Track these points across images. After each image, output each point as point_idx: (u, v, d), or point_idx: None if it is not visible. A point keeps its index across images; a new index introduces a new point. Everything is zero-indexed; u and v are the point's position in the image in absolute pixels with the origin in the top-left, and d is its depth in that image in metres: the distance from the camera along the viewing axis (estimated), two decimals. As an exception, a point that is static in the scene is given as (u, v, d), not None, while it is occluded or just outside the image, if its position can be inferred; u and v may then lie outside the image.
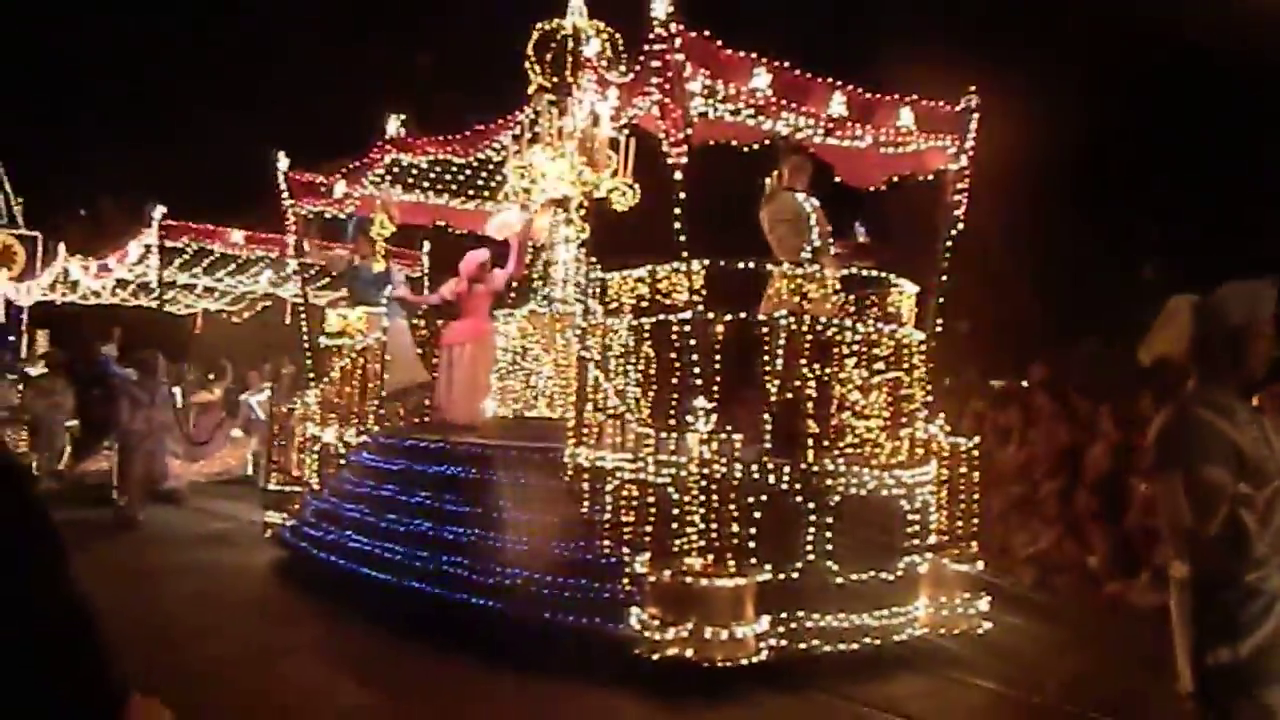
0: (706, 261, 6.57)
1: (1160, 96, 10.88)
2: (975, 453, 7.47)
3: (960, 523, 7.34)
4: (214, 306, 20.26)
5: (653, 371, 6.84)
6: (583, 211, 7.81)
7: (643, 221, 9.00)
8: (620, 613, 6.37)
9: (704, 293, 6.53)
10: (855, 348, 6.76)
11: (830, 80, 7.15)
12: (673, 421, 6.61)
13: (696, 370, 6.41)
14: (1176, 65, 10.80)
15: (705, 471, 6.23)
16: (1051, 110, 8.84)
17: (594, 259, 7.73)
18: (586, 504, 7.02)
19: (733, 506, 6.18)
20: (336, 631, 7.75)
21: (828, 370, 6.63)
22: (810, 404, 6.56)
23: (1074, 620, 7.93)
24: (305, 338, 11.16)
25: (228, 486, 15.90)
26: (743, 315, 6.58)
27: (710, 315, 6.50)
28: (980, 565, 7.28)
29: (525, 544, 7.13)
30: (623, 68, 7.82)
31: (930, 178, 8.07)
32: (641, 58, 6.64)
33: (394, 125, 10.13)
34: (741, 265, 6.80)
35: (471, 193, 11.14)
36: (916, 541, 6.98)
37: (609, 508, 6.84)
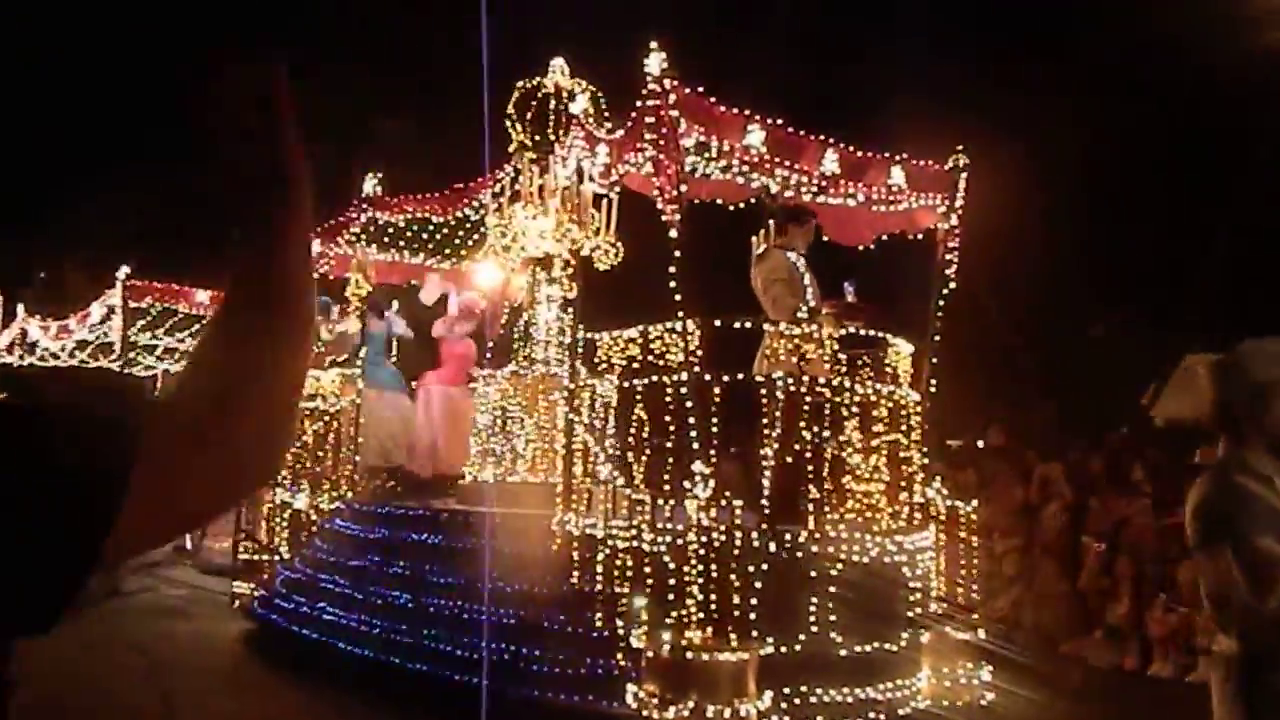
0: (701, 321, 6.38)
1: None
2: (974, 516, 7.28)
3: (960, 589, 7.13)
4: (175, 368, 19.85)
5: (646, 435, 6.60)
6: (569, 270, 7.60)
7: (623, 281, 8.86)
8: (615, 689, 6.07)
9: (700, 353, 6.33)
10: (855, 409, 6.58)
11: (823, 138, 7.06)
12: (668, 487, 6.37)
13: (694, 433, 6.19)
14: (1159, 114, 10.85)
15: (704, 539, 5.99)
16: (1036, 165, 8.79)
17: (577, 320, 7.52)
18: (577, 574, 6.74)
19: (734, 576, 5.93)
20: (311, 710, 7.38)
21: (827, 433, 6.43)
22: (811, 468, 6.34)
23: (1076, 687, 7.71)
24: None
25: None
26: (739, 376, 6.37)
27: (707, 376, 6.29)
28: (982, 633, 7.05)
29: (513, 617, 6.83)
30: (609, 125, 7.68)
31: (919, 236, 7.98)
32: (634, 113, 6.50)
33: (370, 184, 9.94)
34: (738, 325, 6.60)
35: (448, 251, 10.93)
36: (919, 610, 6.75)
37: (601, 578, 6.57)
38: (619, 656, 6.19)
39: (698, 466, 6.12)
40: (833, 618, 6.23)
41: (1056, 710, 7.25)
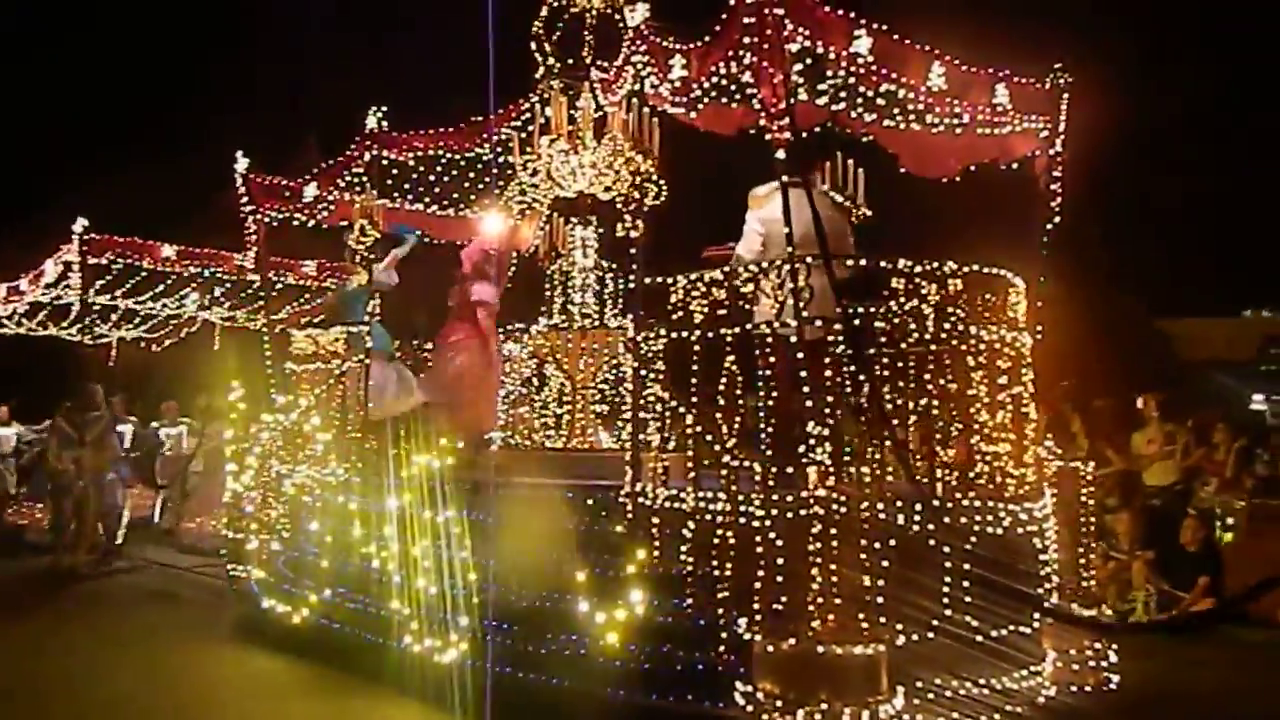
0: (811, 260, 5.45)
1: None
2: (1090, 477, 6.47)
3: (1081, 560, 6.33)
4: (130, 334, 18.52)
5: (738, 392, 5.69)
6: (631, 206, 6.59)
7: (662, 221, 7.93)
8: (717, 688, 5.20)
9: (806, 296, 5.40)
10: (981, 358, 5.72)
11: (928, 48, 6.13)
12: (770, 452, 5.47)
13: (809, 388, 5.28)
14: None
15: (827, 512, 5.10)
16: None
17: (641, 263, 6.52)
18: (658, 553, 5.85)
19: (863, 555, 5.06)
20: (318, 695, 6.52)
21: (954, 386, 5.56)
22: (938, 426, 5.48)
23: (1201, 662, 6.98)
24: (269, 364, 9.74)
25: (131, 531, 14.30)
26: (858, 320, 5.44)
27: (819, 321, 5.36)
28: (1105, 608, 6.28)
29: (580, 603, 5.92)
30: (671, 39, 6.69)
31: (1014, 165, 7.11)
32: (725, 15, 5.53)
33: (373, 119, 8.86)
34: (851, 263, 5.67)
35: (456, 196, 9.89)
36: (1047, 585, 5.95)
37: (686, 557, 5.68)
38: (720, 650, 5.32)
39: (814, 427, 5.22)
40: (967, 599, 5.39)
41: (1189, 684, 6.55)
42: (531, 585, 6.18)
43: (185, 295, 15.96)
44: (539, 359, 8.17)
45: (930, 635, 5.26)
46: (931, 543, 5.32)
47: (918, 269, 5.56)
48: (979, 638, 5.40)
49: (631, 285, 6.36)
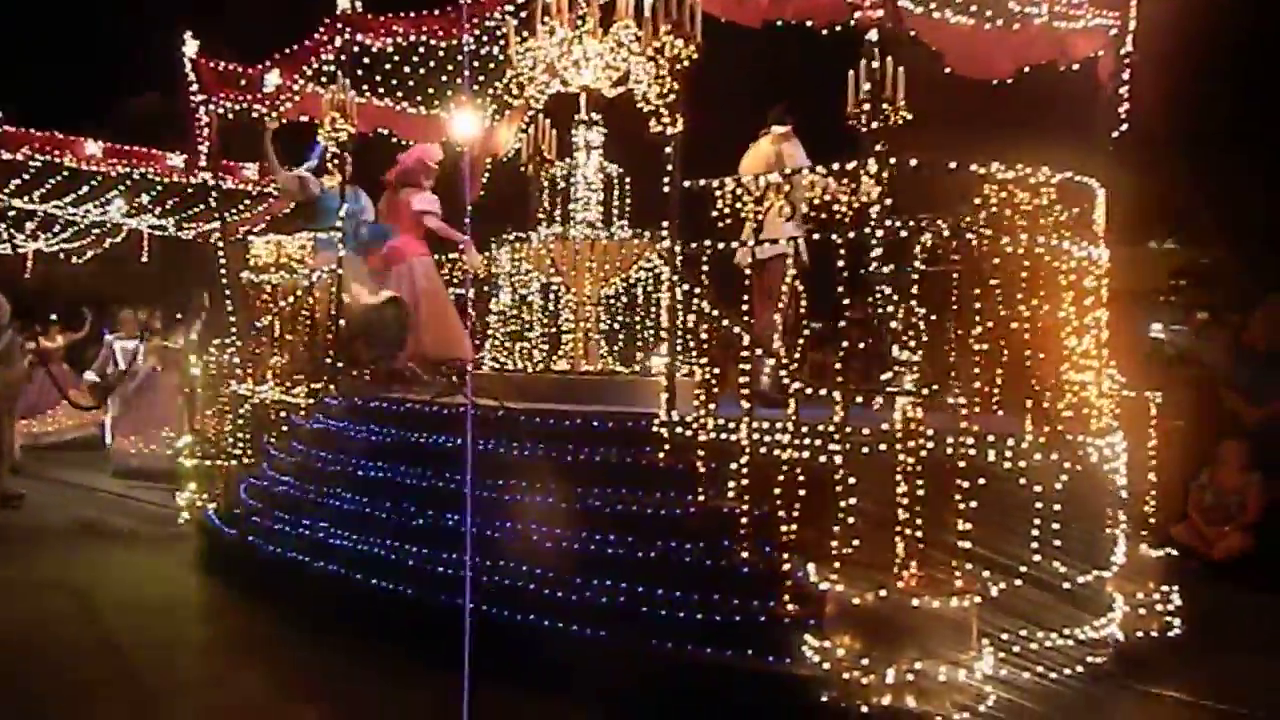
0: (888, 159, 4.78)
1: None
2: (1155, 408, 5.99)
3: (1149, 498, 5.87)
4: (46, 246, 17.17)
5: (803, 310, 5.04)
6: (670, 98, 5.77)
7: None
8: (786, 642, 4.63)
9: (886, 201, 4.74)
10: (1070, 277, 5.13)
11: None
12: (840, 379, 4.85)
13: (891, 307, 4.64)
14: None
15: (914, 447, 4.51)
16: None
17: (679, 163, 5.74)
18: (704, 492, 5.22)
19: (957, 496, 4.49)
20: (293, 643, 5.86)
21: (1044, 307, 4.98)
22: (1028, 352, 4.89)
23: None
24: (223, 274, 8.82)
25: (67, 453, 13.30)
26: (944, 229, 4.79)
27: (904, 231, 4.70)
28: (1171, 549, 5.85)
29: (613, 545, 5.30)
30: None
31: (1075, 67, 6.50)
32: None
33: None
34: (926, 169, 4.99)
35: (431, 92, 8.98)
36: (1125, 526, 5.47)
37: (740, 495, 5.07)
38: (785, 599, 4.74)
39: (899, 351, 4.60)
40: (1057, 542, 4.87)
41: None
42: (555, 525, 5.51)
43: (110, 200, 14.77)
44: (541, 273, 7.40)
45: (1017, 583, 4.72)
46: (1022, 481, 4.76)
47: (1009, 175, 4.91)
48: (1065, 585, 4.88)
49: (666, 189, 5.60)
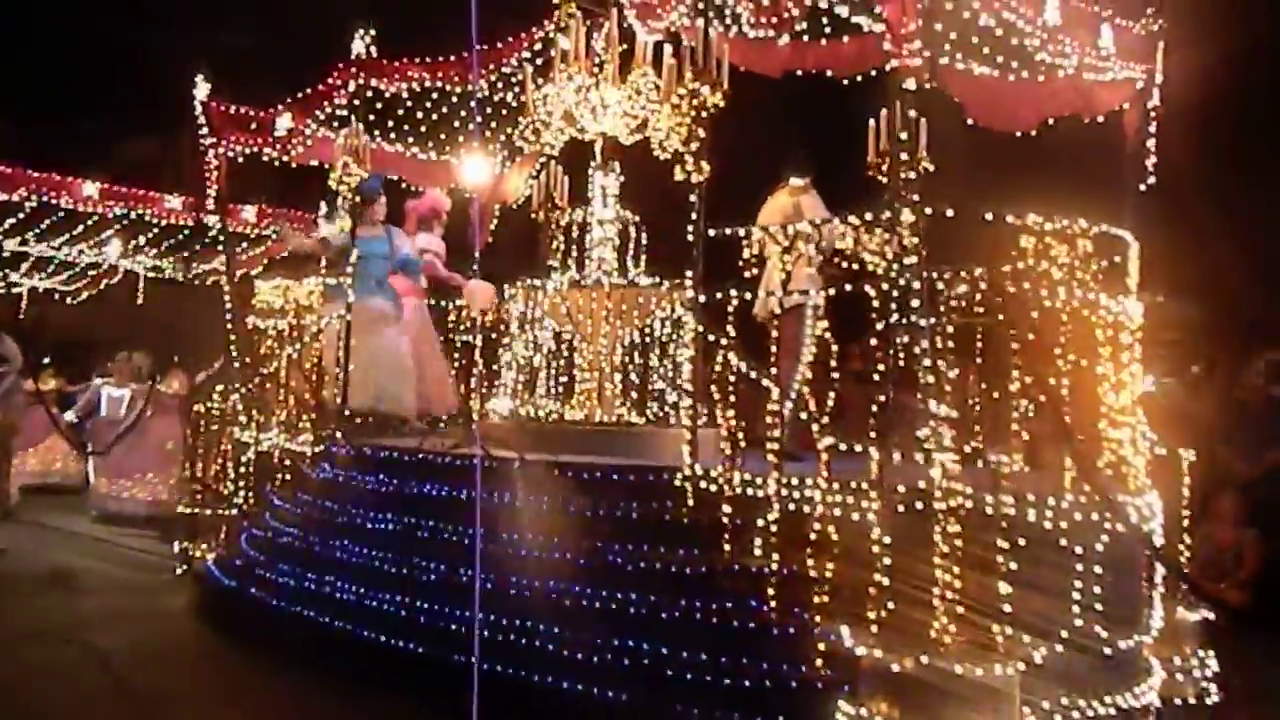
0: (920, 207, 4.68)
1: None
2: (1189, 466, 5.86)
3: (1184, 557, 5.72)
4: (42, 284, 17.02)
5: (833, 362, 4.91)
6: (694, 147, 5.67)
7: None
8: (818, 709, 4.45)
9: (922, 252, 4.64)
10: (1109, 331, 5.02)
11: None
12: (874, 434, 4.71)
13: (928, 361, 4.52)
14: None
15: (950, 505, 4.36)
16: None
17: (702, 212, 5.63)
18: (729, 547, 5.06)
19: (998, 558, 4.34)
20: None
21: (1082, 362, 4.86)
22: (1067, 407, 4.76)
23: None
24: (229, 318, 8.67)
25: (48, 496, 12.95)
26: (980, 279, 4.68)
27: (940, 282, 4.60)
28: (1207, 612, 5.68)
29: (635, 603, 5.12)
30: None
31: (1100, 119, 6.43)
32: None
33: (360, 43, 7.82)
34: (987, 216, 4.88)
35: (444, 137, 8.90)
36: (1163, 587, 5.32)
37: (768, 553, 4.91)
38: (817, 663, 4.56)
39: (937, 406, 4.47)
40: (1098, 606, 4.71)
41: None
42: (574, 582, 5.34)
43: (106, 241, 14.67)
44: (555, 320, 7.26)
45: (1058, 649, 4.55)
46: (1063, 542, 4.61)
47: (1048, 226, 4.81)
48: (1107, 650, 4.71)
49: (690, 237, 5.49)
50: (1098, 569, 4.69)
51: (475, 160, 9.28)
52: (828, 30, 6.68)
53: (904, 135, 4.85)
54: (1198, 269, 6.86)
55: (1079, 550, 4.64)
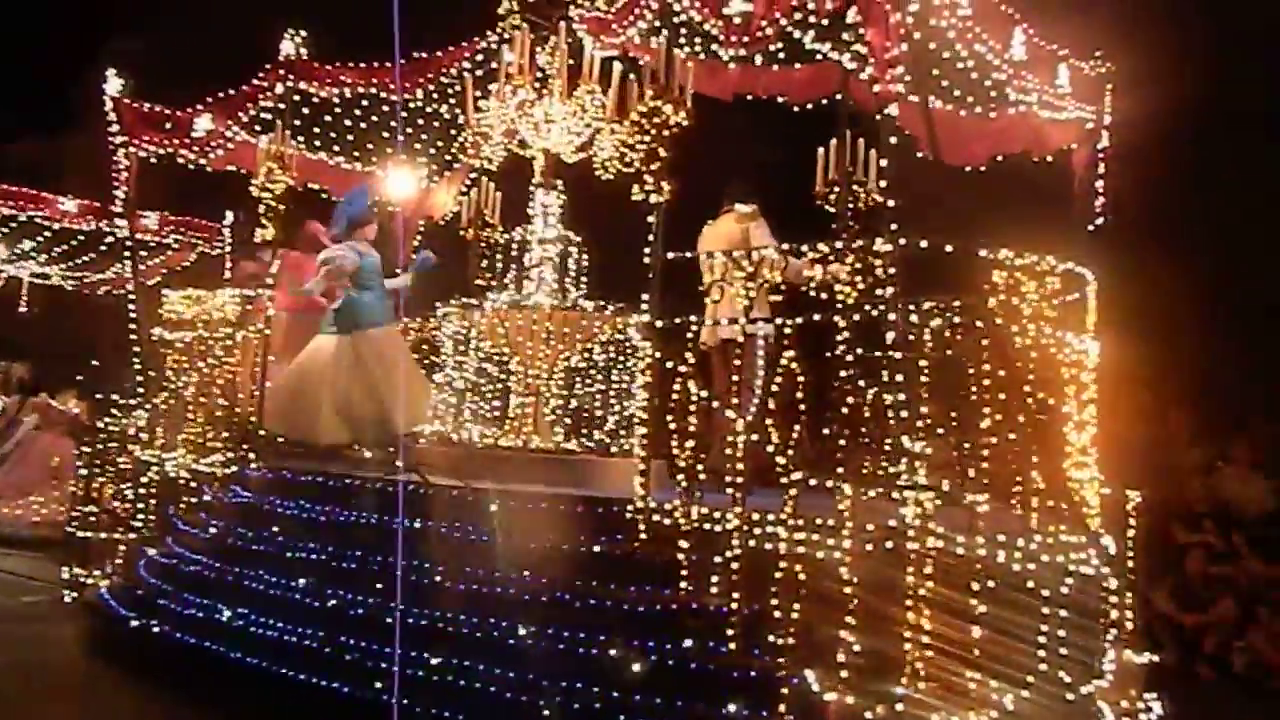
0: (897, 238, 4.56)
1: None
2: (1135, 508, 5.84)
3: (1129, 599, 5.68)
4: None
5: (799, 395, 4.74)
6: (657, 166, 5.45)
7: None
8: (781, 755, 4.25)
9: (895, 283, 4.51)
10: (1071, 369, 4.96)
11: (1009, 9, 5.36)
12: (840, 468, 4.56)
13: (899, 395, 4.38)
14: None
15: (926, 547, 4.22)
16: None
17: (660, 233, 5.40)
18: (687, 584, 4.83)
19: (970, 598, 4.21)
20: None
21: (1050, 400, 4.78)
22: (1035, 447, 4.67)
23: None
24: (133, 329, 8.13)
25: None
26: (953, 310, 4.57)
27: (913, 314, 4.47)
28: (1153, 655, 5.67)
29: (583, 642, 4.85)
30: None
31: (1048, 159, 6.45)
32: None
33: (290, 46, 7.45)
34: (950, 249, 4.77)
35: (370, 147, 8.54)
36: (1114, 631, 5.26)
37: (723, 591, 4.70)
38: (782, 709, 4.35)
39: (908, 442, 4.33)
40: (1063, 651, 4.62)
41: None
42: (519, 618, 5.04)
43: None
44: (492, 342, 6.96)
45: (1024, 695, 4.44)
46: (1031, 584, 4.51)
47: (1018, 261, 4.73)
48: (1070, 696, 4.62)
49: (648, 260, 5.28)
50: (1063, 612, 4.59)
51: (400, 173, 8.95)
52: (781, 56, 6.59)
53: (883, 163, 4.70)
54: (1147, 308, 6.89)
55: (1046, 593, 4.53)
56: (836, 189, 6.85)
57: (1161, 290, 7.26)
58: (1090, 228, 6.12)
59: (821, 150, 6.88)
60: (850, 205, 6.84)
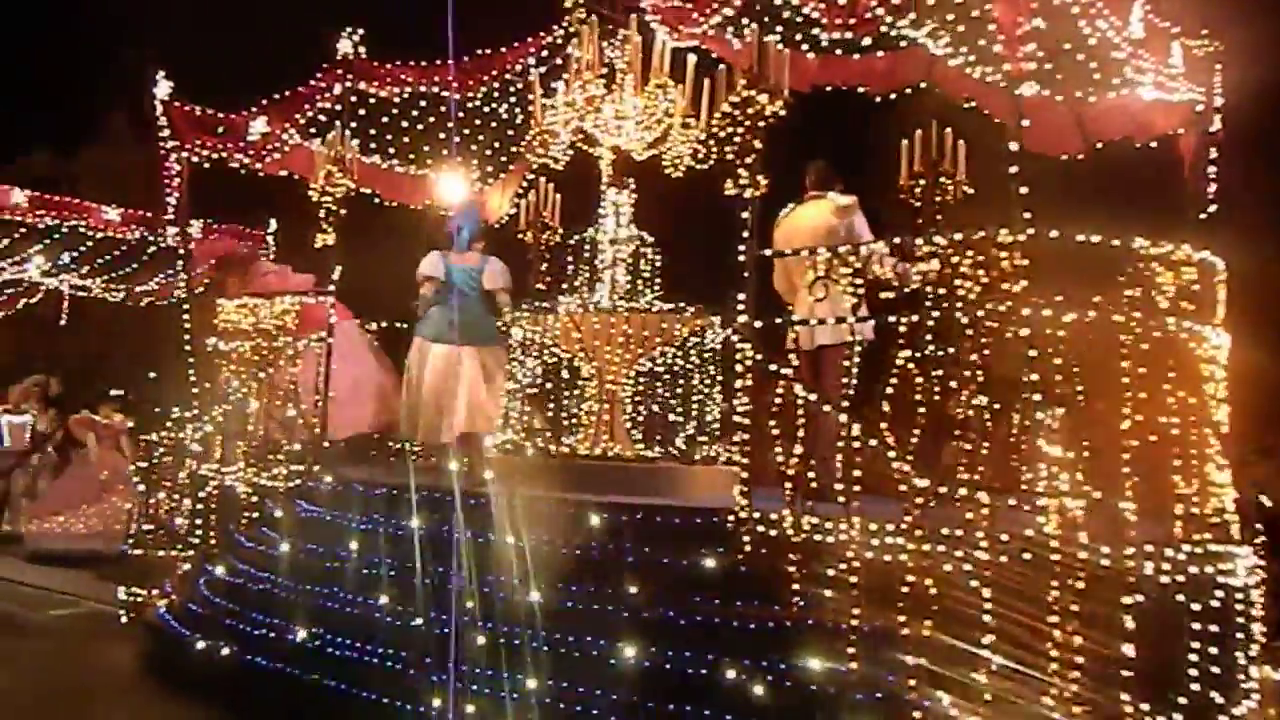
0: (1026, 227, 4.25)
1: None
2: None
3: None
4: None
5: (916, 397, 4.43)
6: (752, 159, 5.14)
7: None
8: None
9: (1027, 278, 4.19)
10: (1208, 365, 4.63)
11: (1124, -14, 5.04)
12: (966, 475, 4.24)
13: (1033, 394, 4.06)
14: None
15: (1066, 559, 3.90)
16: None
17: (753, 233, 5.10)
18: (799, 598, 4.53)
19: (1127, 615, 3.88)
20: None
21: (1191, 399, 4.45)
22: (1177, 450, 4.35)
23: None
24: (187, 339, 7.90)
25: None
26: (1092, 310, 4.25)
27: (1047, 309, 4.15)
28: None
29: (687, 661, 4.55)
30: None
31: (1152, 144, 6.12)
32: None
33: (347, 44, 7.21)
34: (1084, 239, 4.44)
35: (426, 149, 8.28)
36: (1253, 646, 4.91)
37: (840, 606, 4.39)
38: (912, 731, 4.05)
39: (1050, 447, 4.01)
40: (1215, 668, 4.28)
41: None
42: (620, 635, 4.75)
43: (29, 256, 13.63)
44: (565, 347, 6.68)
45: (1178, 718, 4.11)
46: (1180, 598, 4.18)
47: (1152, 250, 4.40)
48: (1220, 717, 4.28)
49: (742, 258, 4.99)
50: (1214, 627, 4.26)
51: (453, 177, 8.70)
52: (863, 44, 6.29)
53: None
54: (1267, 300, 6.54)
55: (1196, 607, 4.20)
56: (922, 181, 6.52)
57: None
58: (1202, 216, 5.77)
59: (905, 141, 6.56)
60: (936, 199, 6.52)
